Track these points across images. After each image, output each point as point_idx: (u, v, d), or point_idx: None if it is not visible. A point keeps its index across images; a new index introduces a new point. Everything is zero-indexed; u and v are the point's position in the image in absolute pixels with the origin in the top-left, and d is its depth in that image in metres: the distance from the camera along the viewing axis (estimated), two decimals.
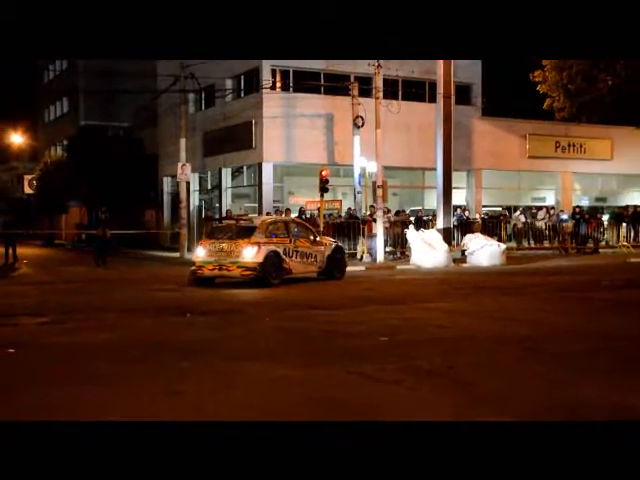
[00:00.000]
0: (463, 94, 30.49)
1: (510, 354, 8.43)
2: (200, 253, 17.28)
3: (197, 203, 33.30)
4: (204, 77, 27.88)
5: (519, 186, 33.60)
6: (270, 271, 16.74)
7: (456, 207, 28.23)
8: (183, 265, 21.72)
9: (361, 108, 26.17)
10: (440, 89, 25.58)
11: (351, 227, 25.70)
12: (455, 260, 23.82)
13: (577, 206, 30.99)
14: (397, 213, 27.69)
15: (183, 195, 28.64)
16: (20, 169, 55.94)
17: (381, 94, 25.19)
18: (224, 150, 30.18)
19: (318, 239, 18.70)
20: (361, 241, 25.12)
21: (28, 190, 40.06)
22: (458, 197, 29.68)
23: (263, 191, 28.05)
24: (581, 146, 33.31)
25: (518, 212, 30.53)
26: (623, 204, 33.10)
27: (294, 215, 24.18)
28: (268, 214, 25.08)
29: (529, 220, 29.97)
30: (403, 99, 29.22)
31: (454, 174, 26.62)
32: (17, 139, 54.06)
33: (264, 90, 27.61)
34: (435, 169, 26.28)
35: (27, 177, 40.95)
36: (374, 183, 24.95)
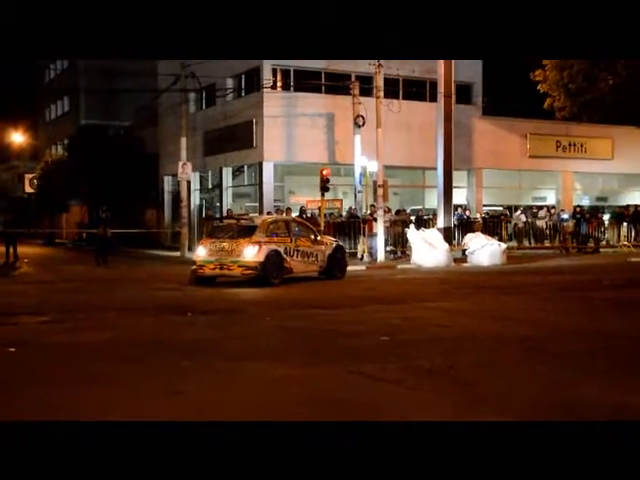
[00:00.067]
0: (464, 93, 30.47)
1: (511, 354, 8.43)
2: (201, 252, 17.28)
3: (198, 202, 33.29)
4: (205, 76, 27.86)
5: (520, 185, 33.59)
6: (271, 270, 16.75)
7: (457, 206, 28.23)
8: (184, 264, 21.72)
9: (362, 107, 26.16)
10: (441, 88, 25.58)
11: (352, 226, 25.71)
12: (456, 259, 23.81)
13: (578, 205, 30.98)
14: (398, 212, 27.69)
15: (184, 194, 28.63)
16: (21, 168, 55.89)
17: (382, 93, 25.20)
18: (225, 149, 30.17)
19: (319, 238, 18.70)
20: (362, 240, 25.12)
21: (29, 189, 40.16)
22: (459, 196, 29.67)
23: (264, 190, 28.04)
24: (582, 145, 33.30)
25: (519, 212, 30.53)
26: (624, 204, 33.08)
27: (295, 214, 24.16)
28: (269, 213, 25.08)
29: (530, 219, 29.97)
30: (404, 98, 29.21)
31: (455, 173, 26.63)
32: (18, 138, 54.13)
33: (265, 89, 27.61)
34: (436, 168, 26.28)
35: (28, 176, 41.07)
36: (375, 182, 24.95)
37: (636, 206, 31.37)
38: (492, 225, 28.44)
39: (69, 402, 6.29)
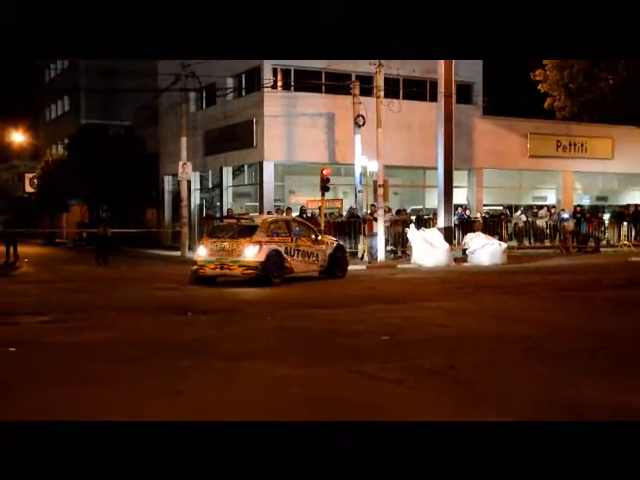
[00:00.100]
0: (464, 93, 30.47)
1: (511, 353, 8.44)
2: (202, 252, 17.30)
3: (198, 202, 33.30)
4: (205, 76, 27.87)
5: (520, 185, 33.59)
6: (272, 270, 16.76)
7: (457, 206, 28.22)
8: (184, 264, 21.72)
9: (362, 107, 26.15)
10: (441, 88, 25.57)
11: (352, 226, 25.72)
12: (456, 259, 23.82)
13: (578, 205, 30.99)
14: (398, 212, 27.69)
15: (184, 194, 28.64)
16: (21, 168, 55.89)
17: (382, 93, 25.19)
18: (225, 149, 30.17)
19: (320, 238, 18.71)
20: (362, 240, 25.12)
21: (29, 189, 40.18)
22: (459, 196, 29.67)
23: (264, 190, 28.04)
24: (582, 145, 33.30)
25: (519, 211, 30.53)
26: (624, 203, 33.10)
27: (295, 214, 24.16)
28: (269, 213, 25.08)
29: (530, 219, 29.97)
30: (404, 98, 29.21)
31: (455, 173, 26.61)
32: (18, 138, 54.10)
33: (265, 89, 27.62)
34: (436, 168, 26.27)
35: (28, 176, 41.09)
36: (375, 182, 24.94)
37: (636, 205, 31.38)
38: (492, 225, 28.45)
39: (69, 402, 6.29)
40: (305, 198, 28.79)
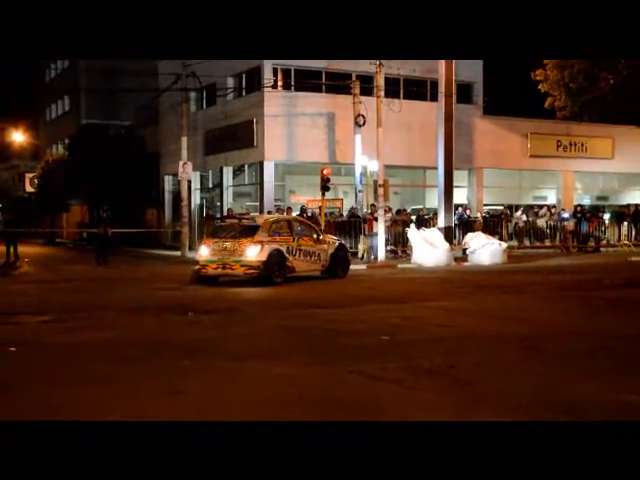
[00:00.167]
0: (464, 93, 30.46)
1: (511, 353, 8.44)
2: (204, 252, 17.33)
3: (198, 202, 33.28)
4: (205, 76, 27.86)
5: (520, 185, 33.58)
6: (273, 270, 16.79)
7: (457, 206, 28.20)
8: (184, 264, 21.74)
9: (362, 107, 26.15)
10: (441, 88, 25.56)
11: (352, 226, 25.72)
12: (456, 259, 23.82)
13: (578, 205, 30.98)
14: (398, 212, 27.67)
15: (184, 194, 28.64)
16: (21, 167, 55.91)
17: (382, 93, 25.18)
18: (225, 149, 30.16)
19: (321, 237, 18.72)
20: (362, 240, 25.12)
21: (29, 188, 40.19)
22: (459, 196, 29.66)
23: (264, 190, 28.03)
24: (582, 145, 33.28)
25: (520, 211, 30.52)
26: (624, 203, 33.10)
27: (295, 214, 24.16)
28: (269, 213, 25.08)
29: (530, 219, 29.96)
30: (404, 98, 29.18)
31: (455, 173, 26.60)
32: (18, 137, 54.07)
33: (265, 89, 27.60)
34: (436, 168, 26.27)
35: (28, 175, 41.11)
36: (375, 182, 24.94)
37: (636, 205, 31.37)
38: (492, 224, 28.44)
39: (69, 402, 6.29)
40: (305, 198, 28.77)
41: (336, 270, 18.59)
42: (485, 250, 23.62)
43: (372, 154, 25.03)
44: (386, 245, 24.91)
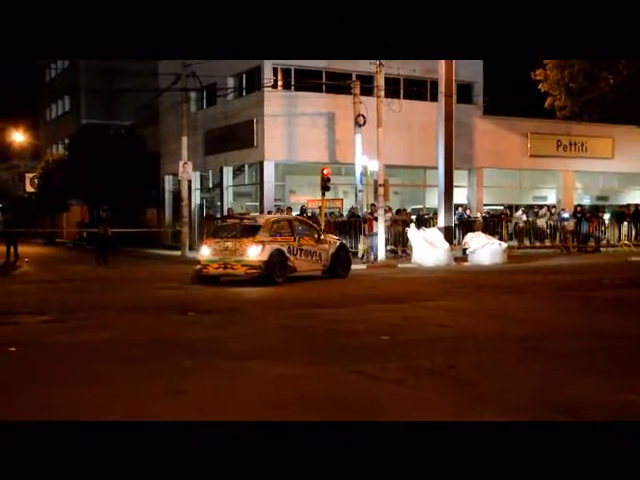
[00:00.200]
0: (464, 93, 30.47)
1: (511, 353, 8.44)
2: (205, 252, 17.36)
3: (198, 202, 33.29)
4: (205, 76, 27.86)
5: (520, 185, 33.58)
6: (274, 269, 16.81)
7: (457, 206, 28.21)
8: (185, 263, 21.74)
9: (362, 107, 26.14)
10: (442, 88, 25.56)
11: (352, 226, 25.72)
12: (456, 259, 23.82)
13: (578, 205, 30.99)
14: (398, 212, 27.68)
15: (184, 193, 28.64)
16: (21, 167, 55.88)
17: (383, 93, 25.18)
18: (225, 148, 30.17)
19: (322, 237, 18.74)
20: (362, 240, 25.11)
21: (29, 188, 40.22)
22: (459, 196, 29.66)
23: (264, 190, 28.03)
24: (582, 145, 33.29)
25: (520, 211, 30.52)
26: (624, 203, 33.10)
27: (295, 214, 24.15)
28: (269, 213, 25.08)
29: (530, 219, 29.96)
30: (405, 98, 29.20)
31: (455, 173, 26.61)
32: (18, 137, 54.05)
33: (265, 89, 27.60)
34: (436, 168, 26.27)
35: (28, 175, 41.15)
36: (375, 182, 24.94)
37: (636, 205, 31.37)
38: (492, 224, 28.45)
39: (69, 402, 6.29)
40: (305, 198, 28.78)
41: (337, 270, 18.60)
42: (485, 250, 23.62)
43: (372, 154, 25.03)
44: (386, 245, 24.91)
